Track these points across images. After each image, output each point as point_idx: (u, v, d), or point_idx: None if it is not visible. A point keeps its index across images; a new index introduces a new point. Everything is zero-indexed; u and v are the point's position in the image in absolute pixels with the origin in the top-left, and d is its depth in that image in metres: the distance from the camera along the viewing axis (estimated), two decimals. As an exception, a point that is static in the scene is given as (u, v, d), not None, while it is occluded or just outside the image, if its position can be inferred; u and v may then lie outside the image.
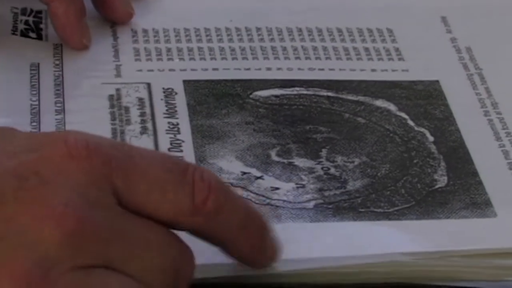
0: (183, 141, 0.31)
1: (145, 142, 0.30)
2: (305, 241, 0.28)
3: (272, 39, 0.37)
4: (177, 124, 0.32)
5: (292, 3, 0.41)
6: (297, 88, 0.35)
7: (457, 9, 0.41)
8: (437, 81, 0.36)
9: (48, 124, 0.32)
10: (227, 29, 0.38)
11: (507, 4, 0.42)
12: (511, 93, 0.36)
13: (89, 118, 0.32)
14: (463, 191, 0.31)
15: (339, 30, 0.38)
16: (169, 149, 0.31)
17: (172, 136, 0.31)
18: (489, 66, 0.37)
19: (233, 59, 0.37)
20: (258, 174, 0.30)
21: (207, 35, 0.38)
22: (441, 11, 0.40)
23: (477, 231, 0.28)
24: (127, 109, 0.32)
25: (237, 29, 0.39)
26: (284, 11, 0.40)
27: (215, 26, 0.39)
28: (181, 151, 0.31)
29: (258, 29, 0.38)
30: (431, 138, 0.33)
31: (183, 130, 0.31)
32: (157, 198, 0.24)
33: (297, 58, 0.37)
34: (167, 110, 0.33)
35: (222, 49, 0.37)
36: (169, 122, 0.32)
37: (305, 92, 0.35)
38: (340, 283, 0.27)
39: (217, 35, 0.38)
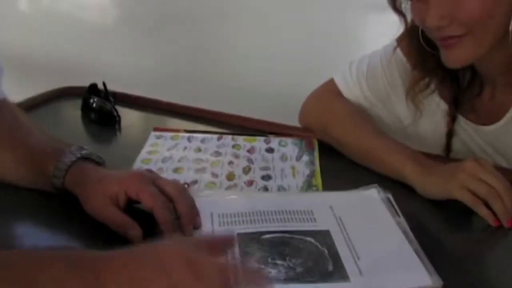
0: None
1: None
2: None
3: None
4: None
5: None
6: (278, 234, 0.72)
7: (340, 202, 0.82)
8: (328, 230, 0.75)
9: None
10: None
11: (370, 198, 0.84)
12: (362, 242, 0.72)
13: None
14: (338, 272, 0.65)
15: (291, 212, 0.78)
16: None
17: None
18: (348, 223, 0.76)
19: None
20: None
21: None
22: (330, 202, 0.82)
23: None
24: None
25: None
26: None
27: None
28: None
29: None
30: (326, 251, 0.69)
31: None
32: None
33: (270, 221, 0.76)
34: None
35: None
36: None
37: (280, 235, 0.72)
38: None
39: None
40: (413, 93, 1.02)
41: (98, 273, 0.50)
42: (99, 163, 0.80)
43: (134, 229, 0.70)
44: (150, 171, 0.77)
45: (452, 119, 1.03)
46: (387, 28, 1.06)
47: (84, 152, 0.79)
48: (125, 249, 0.53)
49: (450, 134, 1.05)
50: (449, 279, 0.68)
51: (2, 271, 0.49)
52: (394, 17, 0.98)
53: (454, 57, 0.90)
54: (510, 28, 0.86)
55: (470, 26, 0.85)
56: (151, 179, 0.74)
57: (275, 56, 1.78)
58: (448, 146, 1.06)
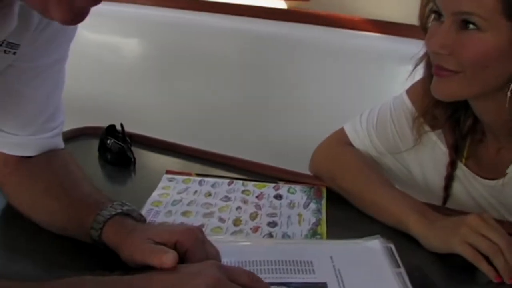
0: None
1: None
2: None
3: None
4: None
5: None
6: (275, 287, 0.72)
7: (340, 252, 0.82)
8: (326, 283, 0.74)
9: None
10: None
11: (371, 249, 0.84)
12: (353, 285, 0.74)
13: None
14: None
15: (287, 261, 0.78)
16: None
17: None
18: (346, 275, 0.76)
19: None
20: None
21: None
22: (331, 252, 0.82)
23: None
24: None
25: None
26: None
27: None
28: None
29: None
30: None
31: None
32: None
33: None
34: None
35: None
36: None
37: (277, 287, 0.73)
38: None
39: None
40: (418, 123, 1.03)
41: None
42: (139, 221, 0.78)
43: (170, 253, 0.66)
44: (201, 230, 0.73)
45: (451, 164, 1.03)
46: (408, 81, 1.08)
47: (125, 208, 0.77)
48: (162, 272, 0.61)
49: (449, 178, 1.05)
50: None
51: None
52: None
53: (441, 89, 0.92)
54: (508, 94, 0.88)
55: (464, 67, 0.87)
56: (202, 242, 0.71)
57: (290, 106, 1.80)
58: (446, 190, 1.06)
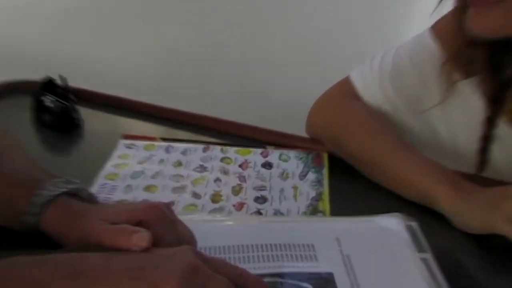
0: None
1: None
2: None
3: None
4: None
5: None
6: (268, 279, 0.69)
7: (349, 233, 0.79)
8: (332, 273, 0.71)
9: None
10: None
11: (388, 229, 0.82)
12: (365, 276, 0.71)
13: None
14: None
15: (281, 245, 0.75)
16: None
17: None
18: (357, 262, 0.74)
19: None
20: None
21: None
22: (337, 232, 0.79)
23: None
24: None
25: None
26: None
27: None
28: None
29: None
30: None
31: None
32: None
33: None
34: None
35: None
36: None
37: (270, 279, 0.69)
38: None
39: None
40: (447, 70, 1.01)
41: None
42: (89, 201, 0.75)
43: (142, 231, 0.63)
44: (169, 207, 0.71)
45: (489, 120, 1.01)
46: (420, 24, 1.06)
47: (71, 186, 0.74)
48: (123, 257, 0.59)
49: (486, 138, 1.03)
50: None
51: None
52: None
53: (480, 22, 0.89)
54: None
55: None
56: (172, 221, 0.69)
57: (279, 53, 1.77)
58: (482, 154, 1.05)
